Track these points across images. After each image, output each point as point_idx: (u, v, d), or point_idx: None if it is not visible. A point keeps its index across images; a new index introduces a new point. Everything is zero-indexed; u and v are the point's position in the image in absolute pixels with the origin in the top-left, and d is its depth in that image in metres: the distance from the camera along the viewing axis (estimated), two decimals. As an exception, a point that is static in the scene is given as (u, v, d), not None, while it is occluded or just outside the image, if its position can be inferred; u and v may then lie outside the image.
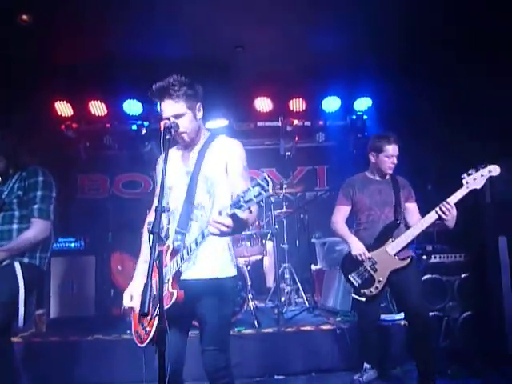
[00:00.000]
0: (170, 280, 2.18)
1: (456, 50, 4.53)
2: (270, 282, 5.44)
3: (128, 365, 3.69)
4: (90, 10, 4.20)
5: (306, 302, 5.07)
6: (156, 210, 1.89)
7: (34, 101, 5.30)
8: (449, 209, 3.00)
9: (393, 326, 4.10)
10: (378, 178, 3.50)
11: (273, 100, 6.01)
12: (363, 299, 3.31)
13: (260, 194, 1.82)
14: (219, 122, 6.08)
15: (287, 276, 5.22)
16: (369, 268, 3.31)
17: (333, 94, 6.01)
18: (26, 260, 2.89)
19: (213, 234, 1.97)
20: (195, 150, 2.41)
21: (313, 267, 5.51)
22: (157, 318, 2.06)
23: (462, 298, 4.08)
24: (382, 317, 4.11)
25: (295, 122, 6.11)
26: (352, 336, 3.95)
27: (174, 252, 2.24)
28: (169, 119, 2.26)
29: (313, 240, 5.60)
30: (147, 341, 2.21)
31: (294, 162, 6.56)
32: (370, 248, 3.33)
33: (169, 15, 4.42)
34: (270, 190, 1.81)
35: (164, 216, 2.36)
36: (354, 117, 6.12)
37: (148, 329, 2.22)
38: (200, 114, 2.38)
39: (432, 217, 3.11)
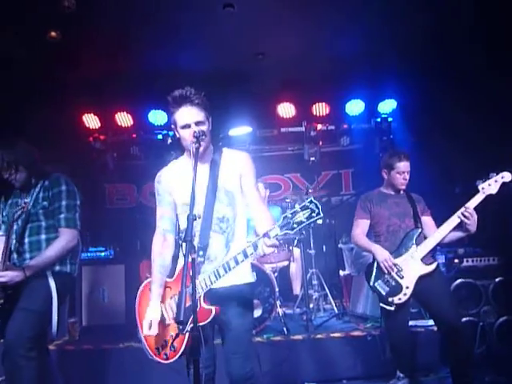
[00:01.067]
0: (202, 296, 2.19)
1: (483, 47, 4.42)
2: (297, 289, 5.39)
3: (160, 373, 3.73)
4: (115, 25, 4.31)
5: (335, 308, 5.01)
6: (188, 219, 1.90)
7: (63, 114, 5.46)
8: (471, 213, 3.06)
9: (425, 331, 4.00)
10: (392, 193, 3.55)
11: (295, 105, 6.01)
12: (392, 308, 3.24)
13: (311, 216, 1.96)
14: (242, 130, 6.11)
15: (315, 282, 5.17)
16: (395, 275, 3.26)
17: (356, 97, 5.97)
18: (57, 268, 2.90)
19: (264, 255, 2.04)
20: (205, 163, 2.41)
21: (341, 273, 5.44)
22: (186, 334, 2.08)
23: (497, 303, 3.96)
24: (414, 323, 4.03)
25: (319, 126, 6.09)
26: (383, 342, 3.88)
27: (197, 267, 2.21)
28: (189, 126, 2.27)
29: (340, 245, 5.54)
30: (176, 357, 2.23)
31: (318, 166, 6.51)
32: (394, 255, 3.30)
33: (190, 29, 4.50)
34: (322, 213, 1.95)
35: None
36: (379, 119, 6.05)
37: (176, 345, 2.23)
38: (210, 128, 2.39)
39: (454, 220, 3.13)
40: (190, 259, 1.84)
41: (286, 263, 5.04)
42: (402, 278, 3.25)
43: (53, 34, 4.36)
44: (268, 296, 4.26)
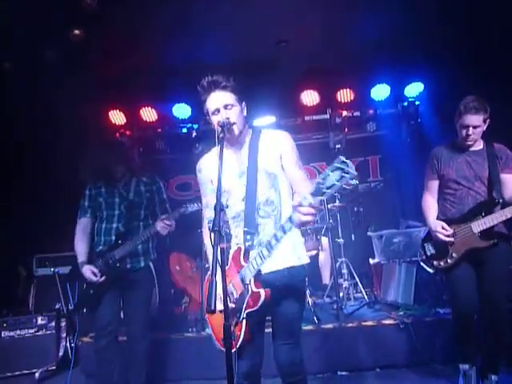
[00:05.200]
0: (252, 280, 2.14)
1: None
2: (326, 278, 5.37)
3: (193, 362, 3.80)
4: (137, 20, 4.33)
5: (366, 297, 4.97)
6: (215, 209, 1.90)
7: (90, 111, 5.56)
8: None
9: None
10: (468, 148, 3.14)
11: (319, 92, 5.91)
12: (430, 270, 3.15)
13: (342, 177, 1.73)
14: (266, 119, 6.08)
15: (344, 271, 5.13)
16: (446, 238, 3.07)
17: (381, 81, 5.81)
18: (154, 256, 3.49)
19: (301, 224, 1.92)
20: (245, 148, 2.40)
21: (370, 261, 5.38)
22: (244, 321, 2.08)
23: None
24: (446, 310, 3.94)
25: (344, 113, 5.98)
26: (416, 330, 3.83)
27: (247, 252, 2.23)
28: (218, 110, 2.25)
29: (369, 233, 5.47)
30: (237, 345, 2.16)
31: (344, 154, 6.25)
32: (455, 221, 3.09)
33: (210, 20, 4.47)
34: (353, 171, 1.73)
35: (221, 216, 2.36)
36: (406, 103, 5.89)
37: (237, 333, 2.17)
38: (245, 112, 2.38)
39: None
40: (218, 249, 1.83)
41: (314, 253, 5.02)
42: (451, 244, 3.07)
43: (76, 32, 4.42)
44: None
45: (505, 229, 3.05)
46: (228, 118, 2.23)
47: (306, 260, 2.39)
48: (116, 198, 3.40)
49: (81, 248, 3.35)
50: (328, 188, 1.77)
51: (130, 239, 3.30)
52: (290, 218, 1.96)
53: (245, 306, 2.07)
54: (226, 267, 2.32)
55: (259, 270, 2.15)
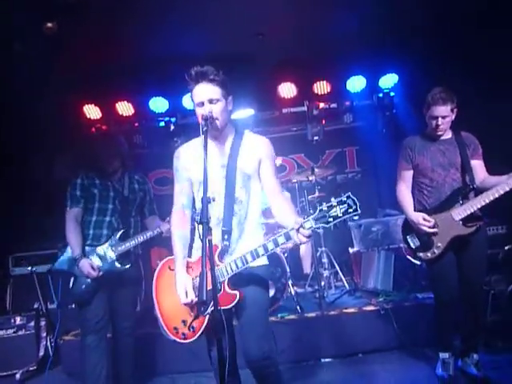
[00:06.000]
0: (226, 281, 2.22)
1: (485, 18, 4.36)
2: (307, 268, 5.44)
3: (180, 355, 3.82)
4: (112, 12, 4.24)
5: (346, 285, 5.07)
6: (202, 201, 1.91)
7: (64, 106, 5.44)
8: None
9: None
10: (437, 138, 3.23)
11: (297, 85, 5.93)
12: (417, 262, 3.21)
13: (348, 212, 1.98)
14: (244, 112, 6.08)
15: (325, 260, 5.21)
16: (428, 230, 3.12)
17: (357, 73, 5.87)
18: (140, 252, 3.49)
19: (300, 244, 2.08)
20: (227, 144, 2.42)
21: (350, 250, 5.48)
22: (207, 316, 2.12)
23: (507, 271, 3.99)
24: (426, 295, 4.06)
25: (321, 105, 6.03)
26: (396, 315, 3.94)
27: (222, 252, 2.28)
28: (203, 103, 2.26)
29: (348, 223, 5.56)
30: (194, 337, 2.27)
31: (322, 145, 6.49)
32: (434, 211, 3.16)
33: (187, 11, 4.42)
34: (359, 210, 1.97)
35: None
36: (381, 95, 5.98)
37: (195, 325, 2.26)
38: (230, 107, 2.39)
39: (510, 184, 2.89)
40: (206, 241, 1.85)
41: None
42: (435, 234, 3.12)
43: (49, 25, 4.30)
44: (280, 276, 4.31)
45: (479, 212, 3.14)
46: (211, 113, 2.24)
47: (265, 261, 2.46)
48: (111, 192, 3.34)
49: (75, 239, 3.22)
50: (333, 218, 1.98)
51: (127, 237, 3.28)
52: (287, 235, 2.09)
53: (213, 302, 2.08)
54: (194, 259, 2.39)
55: (235, 274, 2.23)
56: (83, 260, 3.14)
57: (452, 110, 3.14)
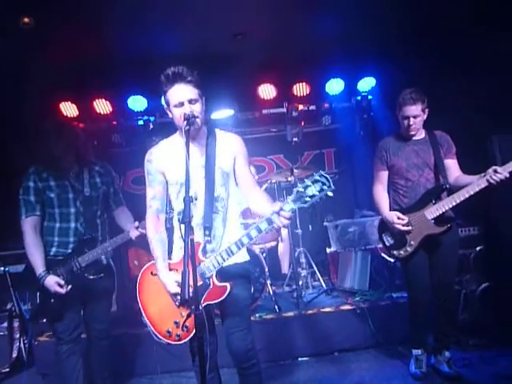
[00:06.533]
0: (214, 275, 2.26)
1: (461, 19, 4.47)
2: (285, 268, 5.49)
3: (156, 356, 3.80)
4: (89, 9, 4.18)
5: (324, 285, 5.13)
6: (185, 200, 1.93)
7: (40, 103, 5.32)
8: (501, 178, 2.86)
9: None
10: (412, 138, 3.29)
11: (276, 86, 5.96)
12: (391, 260, 3.25)
13: (323, 189, 2.05)
14: (224, 113, 6.08)
15: (303, 260, 5.27)
16: (401, 228, 3.19)
17: (336, 76, 5.94)
18: (111, 253, 3.23)
19: (279, 228, 2.15)
20: (200, 143, 2.44)
21: (327, 250, 5.55)
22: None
23: (479, 271, 4.12)
24: (399, 294, 4.15)
25: (300, 106, 6.06)
26: (372, 315, 4.02)
27: (205, 247, 2.31)
28: (182, 104, 2.27)
29: (325, 223, 5.64)
30: (189, 336, 2.28)
31: (301, 147, 6.53)
32: (408, 210, 3.22)
33: (167, 11, 4.39)
34: (332, 185, 2.03)
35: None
36: (359, 98, 6.07)
37: (188, 324, 2.27)
38: (204, 108, 2.41)
39: (480, 185, 2.95)
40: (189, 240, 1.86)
41: (274, 243, 5.11)
42: (408, 233, 3.19)
43: (25, 20, 4.21)
44: (258, 276, 4.33)
45: (452, 213, 3.24)
46: (192, 112, 2.26)
47: (246, 257, 2.51)
48: (70, 194, 2.98)
49: (37, 255, 2.88)
50: (310, 197, 2.05)
51: (94, 243, 3.02)
52: (269, 220, 2.13)
53: (204, 298, 2.15)
54: (176, 260, 2.41)
55: (222, 267, 2.27)
56: (49, 278, 2.84)
57: (423, 110, 3.23)
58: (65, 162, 2.98)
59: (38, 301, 2.95)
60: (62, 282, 2.86)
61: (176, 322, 2.34)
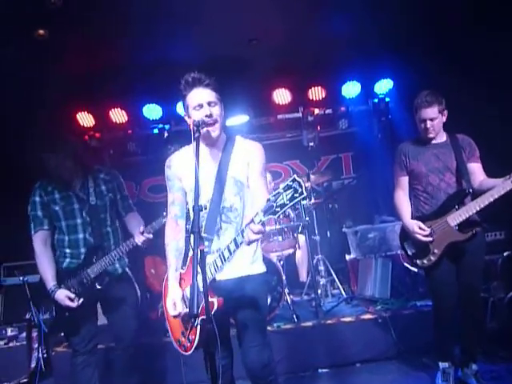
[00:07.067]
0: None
1: (481, 21, 4.35)
2: (303, 276, 5.38)
3: (170, 367, 3.73)
4: (103, 19, 4.21)
5: (343, 293, 5.01)
6: (194, 209, 1.86)
7: (57, 114, 5.38)
8: None
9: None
10: (432, 142, 3.17)
11: (291, 91, 5.92)
12: (415, 269, 3.14)
13: (294, 197, 1.77)
14: (239, 119, 6.04)
15: (321, 268, 5.15)
16: (424, 238, 3.07)
17: (352, 78, 5.87)
18: (127, 259, 3.18)
19: (249, 242, 1.96)
20: (218, 150, 2.39)
21: (347, 257, 5.42)
22: (198, 326, 2.05)
23: (507, 277, 3.94)
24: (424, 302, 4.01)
25: (316, 111, 6.02)
26: (394, 324, 3.88)
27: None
28: (201, 106, 2.24)
29: (344, 229, 5.51)
30: (192, 348, 2.21)
31: (317, 151, 6.44)
32: (430, 217, 3.10)
33: (181, 18, 4.39)
34: (305, 192, 1.76)
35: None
36: (376, 100, 5.99)
37: (191, 337, 2.21)
38: (223, 114, 2.37)
39: (505, 187, 2.80)
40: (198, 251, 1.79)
41: (291, 251, 5.01)
42: (431, 241, 3.07)
43: (41, 32, 4.26)
44: (276, 285, 4.23)
45: (477, 217, 3.09)
46: (211, 115, 2.23)
47: (262, 269, 2.41)
48: (75, 204, 2.97)
49: (47, 270, 2.89)
50: (280, 207, 1.80)
51: (103, 253, 2.96)
52: (242, 232, 1.98)
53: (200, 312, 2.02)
54: (183, 271, 2.35)
55: (214, 279, 2.18)
56: (59, 292, 2.84)
57: (441, 112, 3.11)
58: (66, 173, 2.96)
59: (53, 314, 2.96)
60: (73, 296, 2.85)
61: (183, 333, 2.29)
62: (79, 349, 2.97)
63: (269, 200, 1.83)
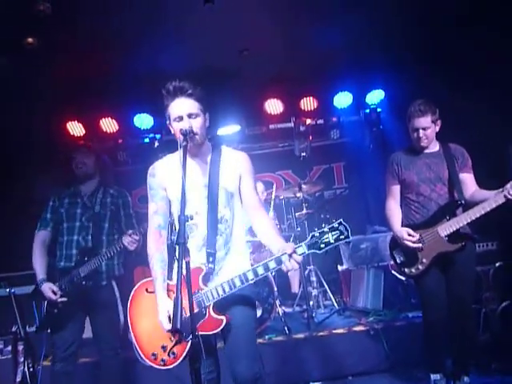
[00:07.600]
0: (211, 305, 2.14)
1: (469, 28, 4.38)
2: (295, 287, 5.34)
3: (165, 379, 3.64)
4: (93, 28, 4.18)
5: (335, 304, 4.96)
6: (179, 220, 1.82)
7: (46, 123, 5.33)
8: None
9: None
10: (425, 151, 3.16)
11: (283, 101, 5.92)
12: (402, 278, 3.11)
13: (339, 239, 2.04)
14: (231, 128, 6.02)
15: (313, 279, 5.11)
16: (413, 245, 3.04)
17: (343, 89, 5.88)
18: (120, 272, 3.37)
19: (288, 271, 2.09)
20: (202, 160, 2.35)
21: (339, 268, 5.38)
22: (190, 341, 1.99)
23: (499, 288, 3.92)
24: (415, 314, 3.97)
25: (308, 121, 6.01)
26: (387, 336, 3.84)
27: (207, 275, 2.20)
28: (181, 118, 2.19)
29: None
30: (174, 363, 2.16)
31: (309, 161, 6.44)
32: (420, 226, 3.07)
33: (173, 28, 4.38)
34: (350, 237, 2.04)
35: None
36: (368, 110, 5.99)
37: (176, 351, 2.15)
38: (207, 124, 2.33)
39: (497, 201, 2.80)
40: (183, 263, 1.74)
41: (282, 261, 4.96)
42: (420, 250, 3.04)
43: (29, 40, 4.21)
44: (267, 296, 4.19)
45: (469, 229, 3.08)
46: (191, 127, 2.18)
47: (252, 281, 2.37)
48: (78, 209, 3.28)
49: (39, 264, 3.20)
50: (325, 245, 2.03)
51: (94, 255, 3.15)
52: (278, 260, 2.06)
53: (197, 327, 1.97)
54: (171, 282, 2.30)
55: (222, 298, 2.15)
56: (44, 284, 3.12)
57: (434, 122, 3.11)
58: (81, 172, 3.31)
59: (44, 311, 3.21)
60: (56, 289, 3.09)
61: (163, 347, 2.21)
62: (59, 353, 3.09)
63: (313, 236, 2.05)
